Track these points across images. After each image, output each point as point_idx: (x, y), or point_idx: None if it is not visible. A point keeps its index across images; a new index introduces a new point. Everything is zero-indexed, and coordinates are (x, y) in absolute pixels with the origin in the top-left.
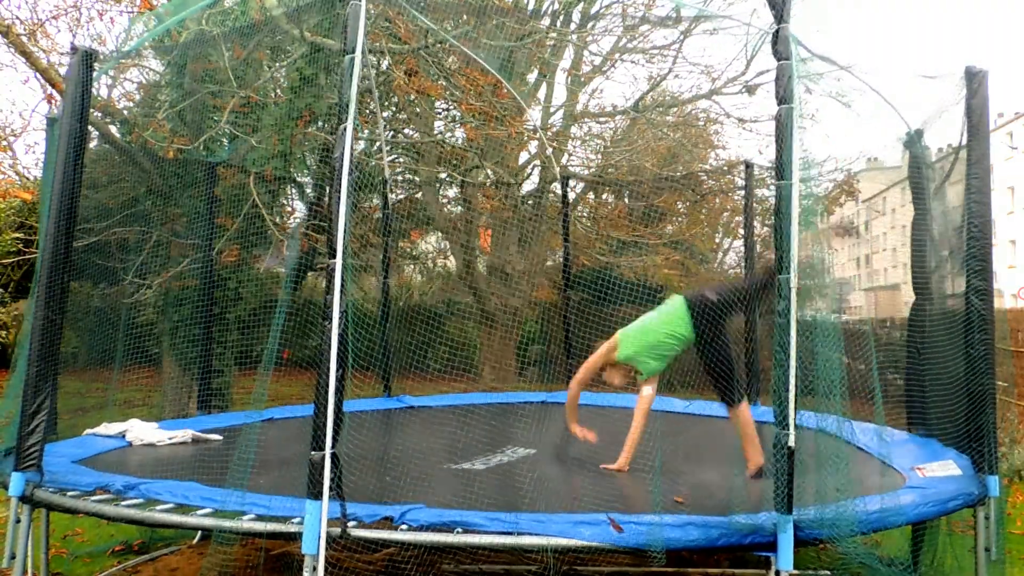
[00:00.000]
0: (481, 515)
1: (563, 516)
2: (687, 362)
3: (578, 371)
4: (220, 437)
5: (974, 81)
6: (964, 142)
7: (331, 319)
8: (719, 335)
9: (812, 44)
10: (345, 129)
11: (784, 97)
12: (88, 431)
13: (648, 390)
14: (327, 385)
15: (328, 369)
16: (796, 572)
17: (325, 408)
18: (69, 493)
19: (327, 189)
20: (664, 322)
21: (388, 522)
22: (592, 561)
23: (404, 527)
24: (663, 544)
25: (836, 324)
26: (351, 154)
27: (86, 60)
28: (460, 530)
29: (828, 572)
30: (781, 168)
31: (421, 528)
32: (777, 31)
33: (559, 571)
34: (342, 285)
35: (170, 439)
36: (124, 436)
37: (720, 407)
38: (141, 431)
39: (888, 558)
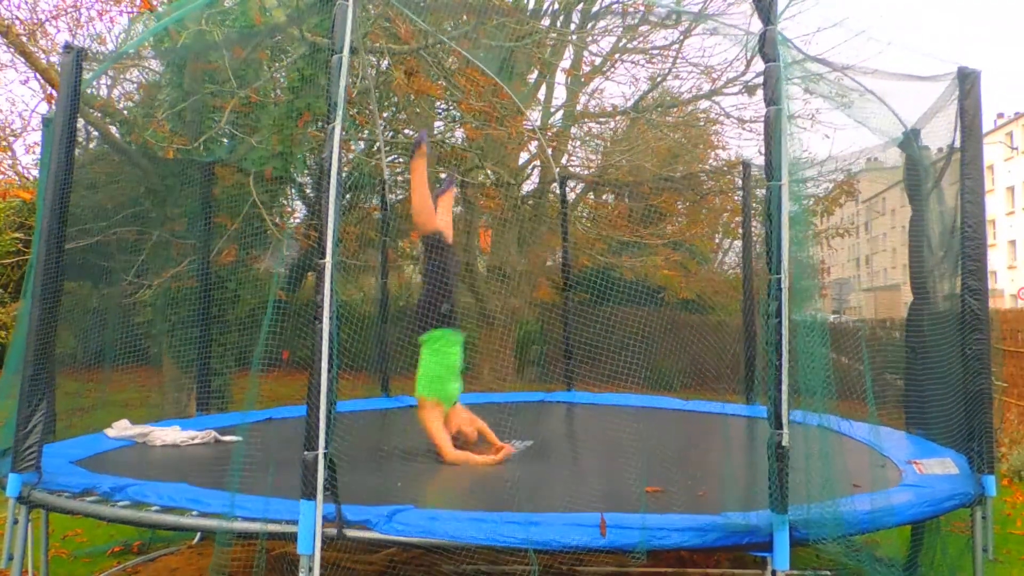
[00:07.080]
0: (472, 515)
1: (557, 516)
2: (684, 361)
3: None
4: (240, 438)
5: (966, 82)
6: (957, 143)
7: (321, 319)
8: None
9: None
10: (333, 129)
11: (773, 99)
12: (107, 431)
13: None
14: (319, 385)
15: (320, 369)
16: (795, 572)
17: (318, 408)
18: (65, 494)
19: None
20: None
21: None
22: (592, 561)
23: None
24: (656, 545)
25: (823, 321)
26: (340, 154)
27: (77, 58)
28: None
29: (828, 572)
30: (771, 169)
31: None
32: (764, 33)
33: (559, 571)
34: (332, 284)
35: (192, 439)
36: (143, 440)
37: (717, 405)
38: (162, 434)
39: (887, 558)
